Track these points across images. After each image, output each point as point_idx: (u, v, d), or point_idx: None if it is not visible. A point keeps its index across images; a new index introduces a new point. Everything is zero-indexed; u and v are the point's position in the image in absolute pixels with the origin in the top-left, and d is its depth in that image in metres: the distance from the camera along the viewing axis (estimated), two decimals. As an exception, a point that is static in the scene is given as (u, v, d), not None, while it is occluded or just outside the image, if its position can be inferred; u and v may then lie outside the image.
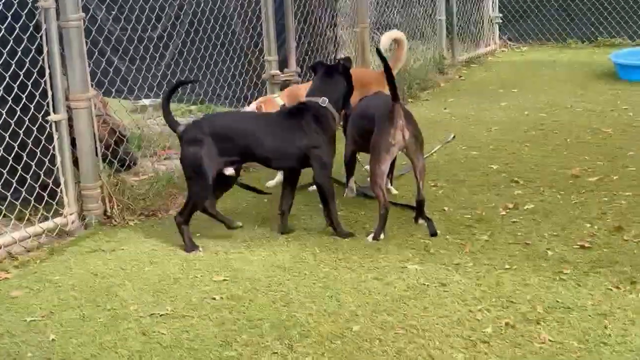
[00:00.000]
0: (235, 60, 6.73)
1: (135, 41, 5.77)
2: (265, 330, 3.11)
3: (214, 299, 3.42)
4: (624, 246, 3.70)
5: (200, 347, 3.01)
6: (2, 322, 3.31)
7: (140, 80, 6.02)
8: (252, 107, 4.93)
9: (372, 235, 3.99)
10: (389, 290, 3.40)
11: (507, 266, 3.57)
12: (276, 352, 2.93)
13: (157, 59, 6.62)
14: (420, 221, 4.15)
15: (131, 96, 6.34)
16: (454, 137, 5.78)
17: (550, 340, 2.90)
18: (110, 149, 4.79)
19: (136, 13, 5.94)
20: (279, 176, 4.95)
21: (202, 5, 6.44)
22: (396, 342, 2.96)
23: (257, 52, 6.97)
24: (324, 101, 4.08)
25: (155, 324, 3.21)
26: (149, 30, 6.53)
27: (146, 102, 6.92)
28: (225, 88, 6.67)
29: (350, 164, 4.66)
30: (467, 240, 3.91)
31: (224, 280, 3.62)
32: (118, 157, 4.88)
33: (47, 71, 4.18)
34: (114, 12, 6.35)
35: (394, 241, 3.95)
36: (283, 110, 4.52)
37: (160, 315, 3.29)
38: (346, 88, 4.20)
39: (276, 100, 4.96)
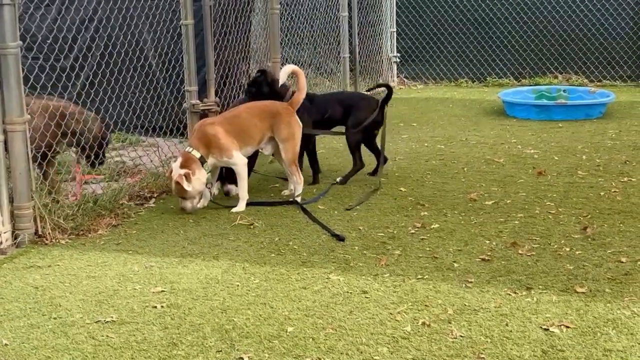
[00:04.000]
0: (152, 90, 6.98)
1: (47, 69, 5.93)
2: (208, 333, 3.40)
3: (155, 307, 3.68)
4: (519, 259, 4.20)
5: (148, 347, 3.27)
6: (-48, 330, 3.47)
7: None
8: (177, 172, 5.03)
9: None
10: (317, 297, 3.76)
11: (419, 276, 4.00)
12: (220, 351, 3.23)
13: (70, 87, 6.82)
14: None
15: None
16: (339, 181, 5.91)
17: (461, 336, 3.32)
18: (98, 144, 5.33)
19: (48, 42, 6.12)
20: (203, 201, 5.29)
21: (116, 37, 6.67)
22: (328, 340, 3.31)
23: (172, 84, 7.27)
24: None
25: (102, 329, 3.45)
26: (62, 60, 6.72)
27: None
28: (142, 117, 6.91)
29: None
30: (382, 254, 4.32)
31: (162, 291, 3.88)
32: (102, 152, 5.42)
33: (-14, 95, 4.36)
34: (26, 41, 6.52)
35: (317, 256, 4.32)
36: None
37: (106, 322, 3.53)
38: None
39: (193, 154, 5.12)
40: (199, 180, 5.07)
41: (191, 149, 5.15)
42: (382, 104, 5.93)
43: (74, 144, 5.29)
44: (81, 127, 5.22)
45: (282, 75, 5.62)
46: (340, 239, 4.55)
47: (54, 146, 5.12)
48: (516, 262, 4.14)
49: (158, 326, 3.48)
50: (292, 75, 5.69)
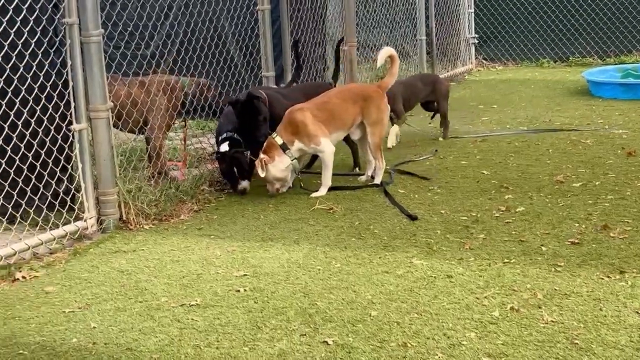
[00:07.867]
0: (230, 77, 7.00)
1: (129, 58, 6.00)
2: (291, 316, 3.38)
3: (238, 291, 3.68)
4: (611, 242, 4.03)
5: (233, 331, 3.27)
6: (42, 313, 3.54)
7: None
8: (260, 156, 5.03)
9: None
10: (400, 281, 3.69)
11: (505, 260, 3.88)
12: (304, 334, 3.20)
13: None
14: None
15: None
16: (436, 150, 6.12)
17: (553, 321, 3.20)
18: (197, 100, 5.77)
19: (129, 30, 6.18)
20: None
21: (194, 24, 6.70)
22: (413, 324, 3.24)
23: (250, 70, 7.27)
24: None
25: (187, 313, 3.46)
26: (142, 48, 6.80)
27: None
28: (221, 104, 6.92)
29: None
30: (466, 238, 4.21)
31: (245, 275, 3.88)
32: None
33: (71, 83, 4.43)
34: (107, 30, 6.61)
35: (398, 240, 4.25)
36: None
37: (191, 306, 3.54)
38: None
39: (277, 139, 5.09)
40: (276, 167, 5.05)
41: (275, 134, 5.13)
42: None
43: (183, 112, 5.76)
44: (185, 93, 5.67)
45: (380, 58, 5.57)
46: (412, 218, 4.51)
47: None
48: (608, 245, 3.98)
49: (242, 309, 3.47)
50: (389, 59, 5.60)
